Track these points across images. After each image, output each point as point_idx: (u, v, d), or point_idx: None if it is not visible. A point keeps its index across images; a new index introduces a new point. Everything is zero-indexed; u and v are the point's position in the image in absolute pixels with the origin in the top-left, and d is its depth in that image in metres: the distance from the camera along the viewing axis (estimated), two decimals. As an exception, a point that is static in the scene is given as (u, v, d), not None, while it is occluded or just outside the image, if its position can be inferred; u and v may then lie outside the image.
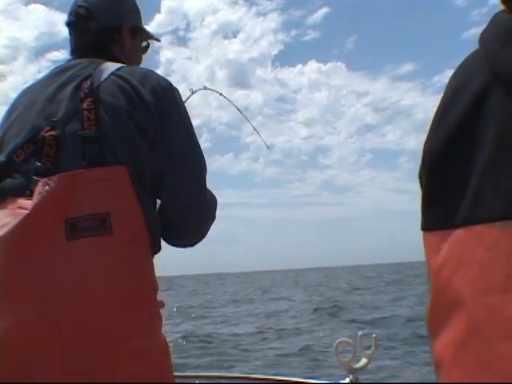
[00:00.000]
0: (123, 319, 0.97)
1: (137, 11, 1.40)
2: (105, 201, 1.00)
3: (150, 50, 1.51)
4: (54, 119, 1.10)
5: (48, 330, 0.93)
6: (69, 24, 1.32)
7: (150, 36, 1.46)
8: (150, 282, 1.05)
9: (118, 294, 0.97)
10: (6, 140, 1.15)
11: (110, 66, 1.18)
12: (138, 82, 1.14)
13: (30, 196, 0.99)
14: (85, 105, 1.09)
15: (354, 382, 2.02)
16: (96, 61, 1.21)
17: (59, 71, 1.22)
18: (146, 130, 1.10)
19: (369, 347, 2.04)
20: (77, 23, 1.30)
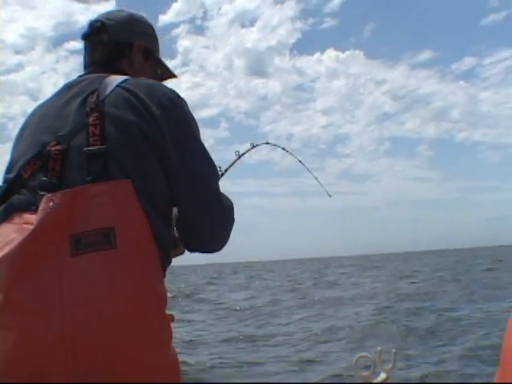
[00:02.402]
0: (130, 334, 0.95)
1: (152, 36, 1.44)
2: (109, 215, 0.99)
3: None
4: (60, 134, 1.10)
5: (53, 346, 0.92)
6: (84, 36, 1.37)
7: (165, 67, 1.49)
8: (158, 295, 1.03)
9: (123, 309, 0.96)
10: (17, 157, 1.17)
11: (116, 79, 1.19)
12: (144, 94, 1.14)
13: (35, 211, 0.99)
14: (90, 120, 1.09)
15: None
16: (103, 75, 1.22)
17: (68, 87, 1.24)
18: (155, 143, 1.10)
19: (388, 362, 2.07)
20: (91, 35, 1.35)
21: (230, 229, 1.26)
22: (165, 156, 1.12)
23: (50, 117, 1.17)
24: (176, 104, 1.18)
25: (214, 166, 1.24)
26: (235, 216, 1.28)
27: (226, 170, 1.79)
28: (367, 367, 2.09)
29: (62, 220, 0.97)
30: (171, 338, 1.06)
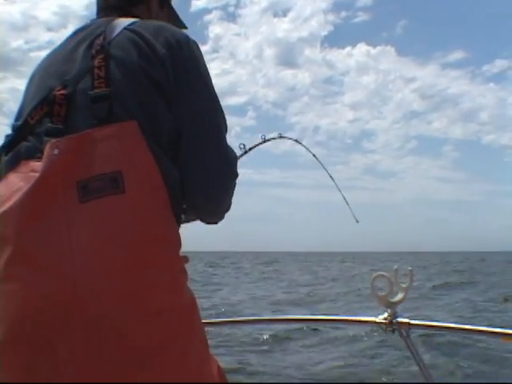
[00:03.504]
0: (143, 278, 0.93)
1: None
2: (116, 159, 0.97)
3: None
4: (66, 78, 1.08)
5: (65, 295, 0.90)
6: None
7: (177, 18, 1.44)
8: (170, 239, 1.02)
9: (135, 254, 0.94)
10: (25, 104, 1.15)
11: (124, 21, 1.15)
12: (151, 35, 1.10)
13: (41, 158, 0.97)
14: (96, 62, 1.06)
15: (392, 316, 2.04)
16: (111, 19, 1.18)
17: (75, 32, 1.21)
18: (161, 84, 1.07)
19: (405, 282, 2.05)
20: None
21: (233, 180, 1.18)
22: (170, 96, 1.08)
23: (57, 62, 1.15)
24: (183, 44, 1.13)
25: (222, 111, 1.18)
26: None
27: (250, 149, 1.74)
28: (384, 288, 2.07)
29: (67, 166, 0.95)
30: (187, 280, 1.05)
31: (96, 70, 1.05)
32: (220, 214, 1.23)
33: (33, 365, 0.91)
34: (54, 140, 0.97)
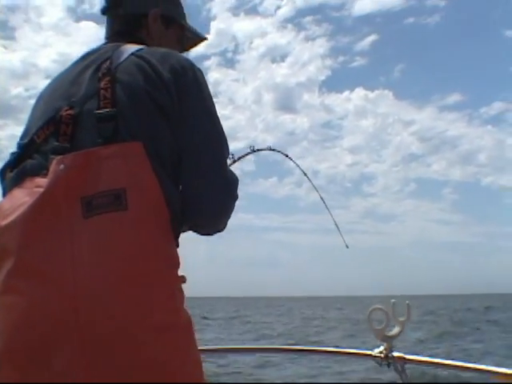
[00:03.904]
0: (142, 296, 0.94)
1: (172, 2, 1.42)
2: (120, 177, 0.98)
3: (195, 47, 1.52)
4: (73, 99, 1.11)
5: (65, 311, 0.91)
6: (102, 11, 1.39)
7: (192, 31, 1.47)
8: (169, 257, 1.03)
9: (135, 271, 0.95)
10: (32, 124, 1.18)
11: (131, 47, 1.19)
12: (157, 61, 1.14)
13: (46, 175, 0.99)
14: (102, 84, 1.09)
15: (387, 350, 2.04)
16: (119, 44, 1.22)
17: (84, 56, 1.24)
18: (165, 108, 1.10)
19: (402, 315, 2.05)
20: (108, 9, 1.37)
21: (232, 204, 1.21)
22: (174, 119, 1.11)
23: (64, 84, 1.18)
24: (188, 70, 1.17)
25: (224, 137, 1.20)
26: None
27: (238, 158, 1.76)
28: (381, 321, 2.07)
29: (72, 182, 0.97)
30: (183, 299, 1.05)
31: (102, 92, 1.08)
32: (217, 231, 1.26)
33: (29, 377, 0.92)
34: (60, 156, 0.99)
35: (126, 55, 1.16)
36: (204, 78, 1.21)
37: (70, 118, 1.08)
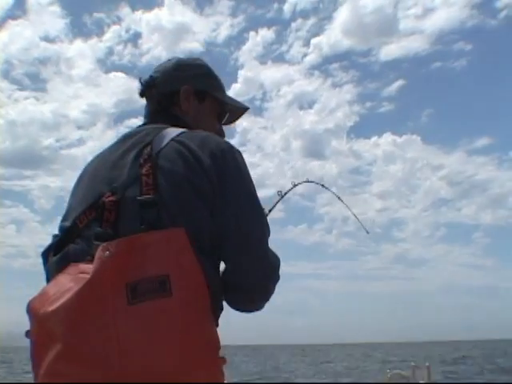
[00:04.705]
0: (185, 380, 0.97)
1: (205, 75, 1.45)
2: (164, 263, 1.01)
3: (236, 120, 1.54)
4: (115, 185, 1.14)
5: (108, 378, 0.93)
6: (140, 93, 1.44)
7: (230, 102, 1.48)
8: (212, 341, 1.05)
9: (180, 356, 0.97)
10: (73, 206, 1.21)
11: (171, 132, 1.22)
12: (197, 146, 1.17)
13: (91, 261, 1.01)
14: (144, 170, 1.12)
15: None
16: (159, 127, 1.27)
17: (124, 138, 1.28)
18: (205, 193, 1.13)
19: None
20: (144, 91, 1.43)
21: (274, 286, 1.25)
22: (214, 205, 1.14)
23: (106, 167, 1.21)
24: (227, 154, 1.20)
25: (265, 218, 1.24)
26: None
27: (269, 211, 1.81)
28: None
29: (118, 268, 0.98)
30: (224, 380, 1.08)
31: (144, 178, 1.12)
32: (257, 309, 1.31)
33: None
34: (105, 243, 1.01)
35: (166, 140, 1.19)
36: (243, 158, 1.25)
37: (112, 204, 1.11)
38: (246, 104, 1.53)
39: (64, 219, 1.22)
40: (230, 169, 1.19)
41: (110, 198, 1.12)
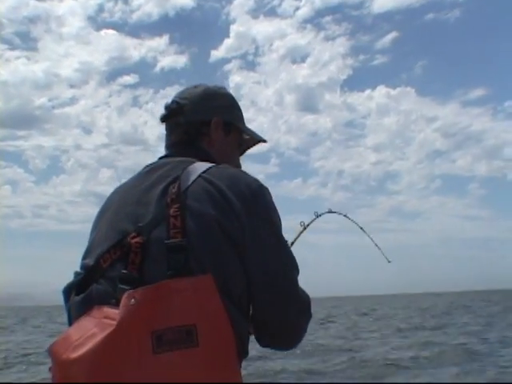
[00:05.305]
0: None
1: (231, 107, 1.43)
2: (191, 312, 0.99)
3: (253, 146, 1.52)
4: (140, 224, 1.11)
5: None
6: (162, 118, 1.39)
7: (250, 134, 1.47)
8: None
9: None
10: (96, 242, 1.18)
11: (198, 168, 1.19)
12: (226, 186, 1.14)
13: (115, 304, 1.00)
14: (171, 211, 1.09)
15: None
16: (185, 160, 1.24)
17: (149, 170, 1.25)
18: (234, 236, 1.10)
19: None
20: (168, 117, 1.38)
21: (305, 326, 1.25)
22: (244, 250, 1.12)
23: (130, 202, 1.18)
24: (258, 196, 1.17)
25: (294, 261, 1.22)
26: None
27: (292, 244, 1.79)
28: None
29: (143, 316, 0.97)
30: None
31: (172, 220, 1.08)
32: (291, 347, 1.28)
33: None
34: (131, 290, 0.99)
35: (193, 177, 1.15)
36: (271, 196, 1.22)
37: (138, 246, 1.08)
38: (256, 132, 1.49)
39: (86, 256, 1.19)
40: (260, 211, 1.17)
41: (136, 240, 1.09)
